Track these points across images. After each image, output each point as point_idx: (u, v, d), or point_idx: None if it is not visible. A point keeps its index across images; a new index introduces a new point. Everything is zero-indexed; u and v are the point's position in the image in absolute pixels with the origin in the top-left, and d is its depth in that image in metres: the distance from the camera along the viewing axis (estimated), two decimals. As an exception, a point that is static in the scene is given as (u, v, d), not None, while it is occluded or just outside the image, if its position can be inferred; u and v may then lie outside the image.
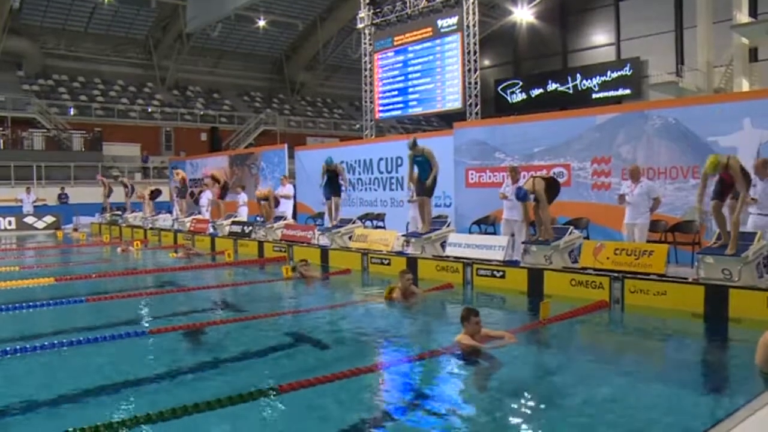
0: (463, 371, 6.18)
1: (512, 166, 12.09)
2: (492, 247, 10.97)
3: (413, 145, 12.26)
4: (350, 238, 13.68)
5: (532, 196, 10.19)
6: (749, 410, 3.85)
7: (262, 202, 16.25)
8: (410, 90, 26.81)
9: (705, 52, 29.45)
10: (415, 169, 12.43)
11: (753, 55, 29.52)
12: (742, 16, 27.62)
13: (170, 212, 21.52)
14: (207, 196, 20.48)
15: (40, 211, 25.62)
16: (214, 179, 19.26)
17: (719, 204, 8.35)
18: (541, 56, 40.97)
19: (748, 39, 28.16)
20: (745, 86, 27.43)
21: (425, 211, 12.29)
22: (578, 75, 36.60)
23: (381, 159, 17.12)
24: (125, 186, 23.28)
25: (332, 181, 14.59)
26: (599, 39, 38.42)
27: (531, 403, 5.30)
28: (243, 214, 18.63)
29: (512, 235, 11.34)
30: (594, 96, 35.18)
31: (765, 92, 13.05)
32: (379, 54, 27.84)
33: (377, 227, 15.38)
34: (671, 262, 9.39)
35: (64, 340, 6.94)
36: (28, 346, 6.70)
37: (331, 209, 14.59)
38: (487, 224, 13.11)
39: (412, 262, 11.58)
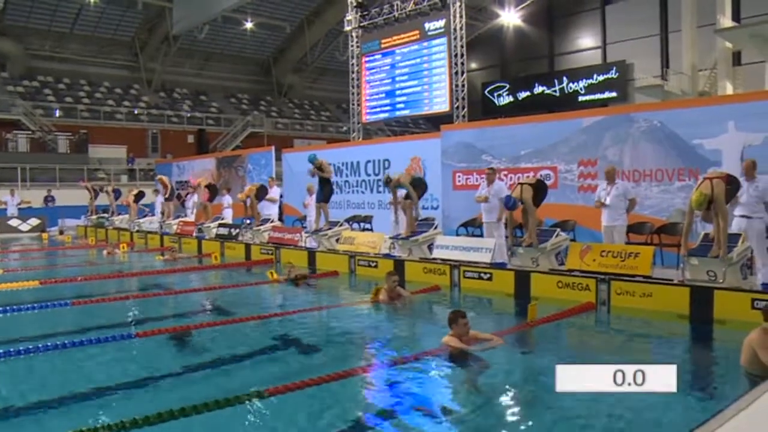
0: (450, 373, 6.18)
1: (491, 168, 12.12)
2: (479, 250, 11.00)
3: (387, 182, 12.50)
4: (337, 240, 13.67)
5: (520, 204, 10.25)
6: (734, 410, 3.87)
7: (247, 201, 16.18)
8: (397, 92, 26.84)
9: (690, 55, 29.72)
10: (402, 191, 12.56)
11: (736, 58, 29.80)
12: (726, 21, 27.88)
13: (153, 213, 21.45)
14: (193, 199, 20.39)
15: (25, 213, 25.37)
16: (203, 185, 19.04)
17: (707, 213, 8.43)
18: (527, 59, 41.15)
19: (731, 43, 28.42)
20: (729, 90, 27.70)
21: (408, 214, 12.32)
22: (565, 78, 36.82)
23: (368, 161, 17.12)
24: (108, 194, 23.14)
25: (320, 183, 14.48)
26: (586, 42, 38.67)
27: (518, 405, 5.32)
28: (227, 216, 18.56)
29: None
30: (580, 99, 35.41)
31: (748, 96, 13.18)
32: (367, 57, 27.85)
33: (364, 230, 15.36)
34: (657, 264, 9.46)
35: (49, 344, 6.87)
36: (12, 349, 6.63)
37: (319, 213, 14.49)
38: (474, 227, 13.13)
39: (399, 265, 11.58)
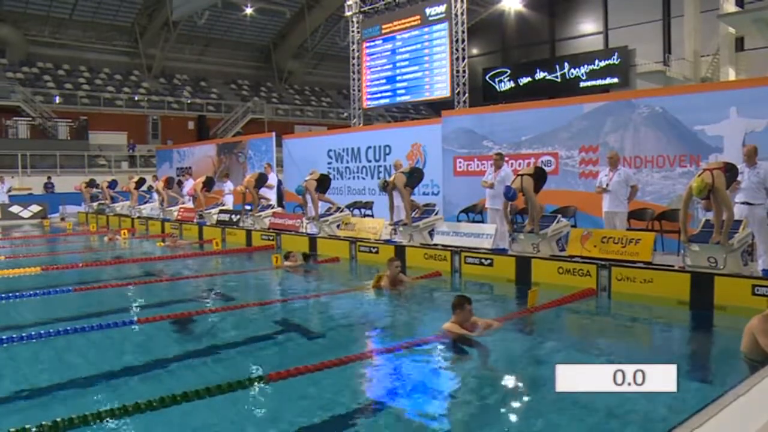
0: (451, 359, 6.20)
1: (498, 153, 12.04)
2: (480, 236, 11.01)
3: (385, 186, 12.47)
4: (338, 226, 13.67)
5: (520, 194, 10.22)
6: (734, 395, 3.89)
7: (246, 192, 16.15)
8: (398, 78, 26.76)
9: (692, 41, 29.59)
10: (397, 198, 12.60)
11: (739, 44, 29.67)
12: (729, 6, 27.75)
13: (150, 200, 21.46)
14: (190, 184, 20.34)
15: (25, 200, 25.32)
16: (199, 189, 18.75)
17: (708, 203, 8.42)
18: (529, 45, 40.95)
19: (734, 28, 28.30)
20: (732, 75, 27.62)
21: (405, 201, 12.27)
22: (566, 64, 36.52)
23: (369, 147, 17.08)
24: (102, 189, 23.06)
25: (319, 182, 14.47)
26: (587, 28, 38.46)
27: (519, 390, 5.34)
28: (228, 202, 18.53)
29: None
30: (582, 85, 35.10)
31: (751, 81, 13.10)
32: (367, 42, 27.73)
33: (365, 215, 15.37)
34: (658, 250, 9.46)
35: (51, 330, 6.90)
36: (14, 335, 6.66)
37: (317, 201, 14.39)
38: (474, 213, 13.13)
39: (400, 251, 11.59)
